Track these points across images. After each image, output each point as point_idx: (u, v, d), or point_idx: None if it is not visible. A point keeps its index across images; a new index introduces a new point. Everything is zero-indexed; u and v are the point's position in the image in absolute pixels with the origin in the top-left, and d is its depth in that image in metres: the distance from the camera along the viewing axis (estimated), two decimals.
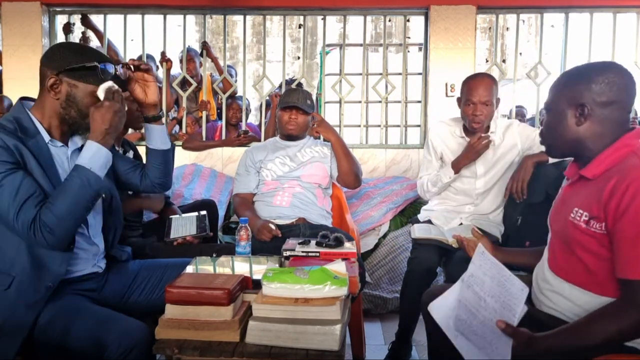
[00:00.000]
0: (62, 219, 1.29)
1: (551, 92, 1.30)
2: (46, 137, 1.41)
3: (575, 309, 1.23)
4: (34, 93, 1.47)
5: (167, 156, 1.66)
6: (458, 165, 2.17)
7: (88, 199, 1.34)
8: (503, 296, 1.18)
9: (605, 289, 1.17)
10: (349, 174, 2.37)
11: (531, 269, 1.47)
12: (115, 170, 1.64)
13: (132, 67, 1.54)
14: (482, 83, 2.11)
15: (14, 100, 3.26)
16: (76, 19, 3.77)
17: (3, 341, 1.29)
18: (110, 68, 1.43)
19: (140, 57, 3.82)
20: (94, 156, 1.35)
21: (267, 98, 3.79)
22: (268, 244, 1.98)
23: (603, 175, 1.18)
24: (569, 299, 1.24)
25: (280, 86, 3.77)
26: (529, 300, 1.36)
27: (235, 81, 3.97)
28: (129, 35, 3.67)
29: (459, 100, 2.21)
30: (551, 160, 2.01)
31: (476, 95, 2.08)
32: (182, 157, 3.48)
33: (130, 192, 2.03)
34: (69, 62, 1.37)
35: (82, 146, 1.51)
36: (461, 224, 2.21)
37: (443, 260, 2.14)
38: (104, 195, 1.53)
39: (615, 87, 1.19)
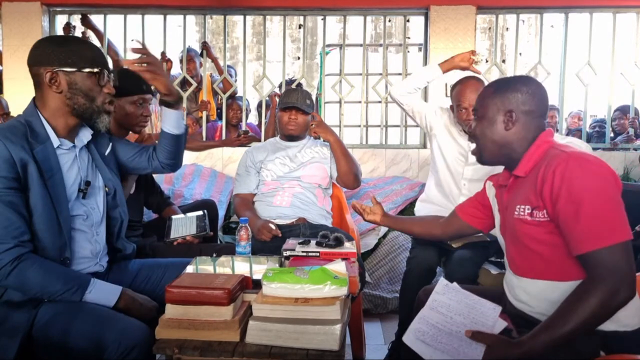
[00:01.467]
0: (24, 281, 1.29)
1: (480, 101, 1.43)
2: (55, 141, 1.41)
3: (544, 302, 1.27)
4: (33, 93, 1.47)
5: (179, 140, 1.70)
6: (447, 65, 2.34)
7: (52, 293, 1.33)
8: (473, 314, 1.25)
9: (564, 274, 1.24)
10: (347, 175, 2.38)
11: (417, 235, 1.92)
12: (119, 160, 1.66)
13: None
14: (469, 86, 2.12)
15: (11, 101, 3.32)
16: (76, 19, 3.77)
17: (1, 341, 1.29)
18: (89, 48, 1.45)
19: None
20: (103, 293, 1.38)
21: (267, 98, 3.79)
22: (268, 244, 1.98)
23: (532, 170, 1.32)
24: (537, 294, 1.29)
25: (280, 86, 3.77)
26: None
27: (235, 81, 3.97)
28: (129, 35, 3.67)
29: (452, 107, 2.25)
30: None
31: (465, 100, 2.11)
32: (182, 157, 3.47)
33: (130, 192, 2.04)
34: (57, 54, 1.39)
35: (89, 143, 1.52)
36: None
37: (442, 260, 2.14)
38: (107, 189, 1.55)
39: (536, 98, 1.36)
